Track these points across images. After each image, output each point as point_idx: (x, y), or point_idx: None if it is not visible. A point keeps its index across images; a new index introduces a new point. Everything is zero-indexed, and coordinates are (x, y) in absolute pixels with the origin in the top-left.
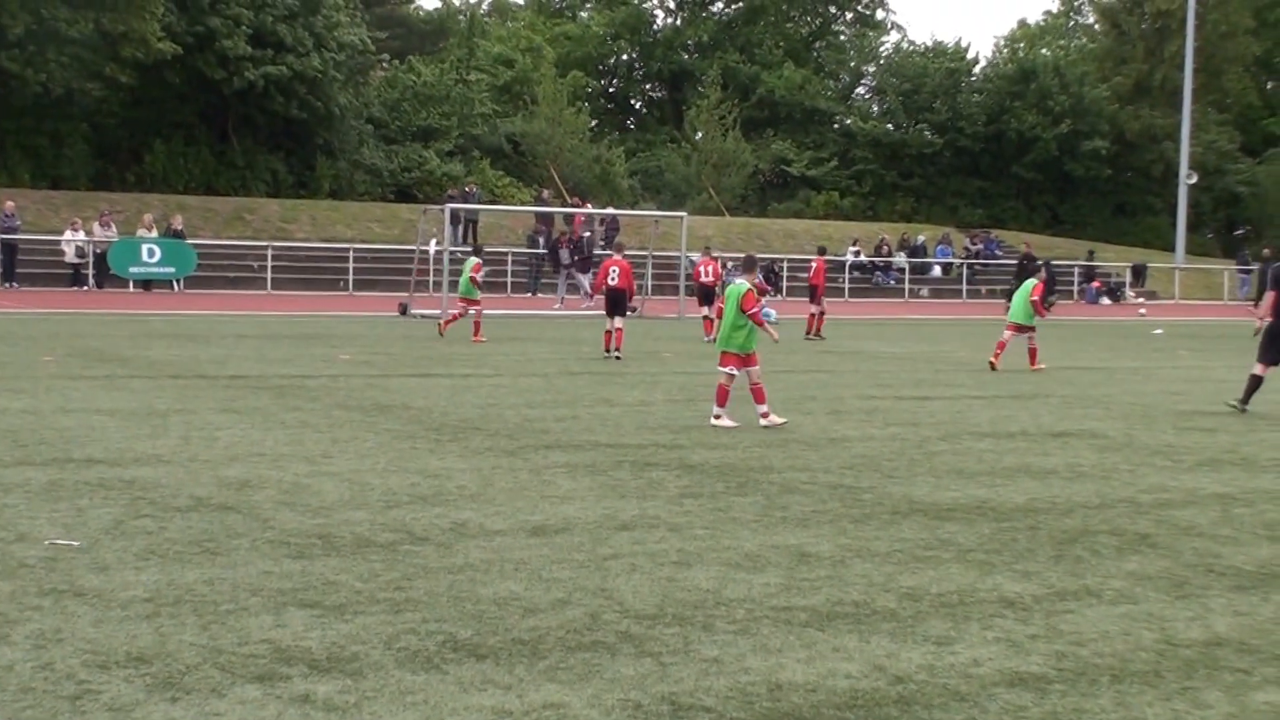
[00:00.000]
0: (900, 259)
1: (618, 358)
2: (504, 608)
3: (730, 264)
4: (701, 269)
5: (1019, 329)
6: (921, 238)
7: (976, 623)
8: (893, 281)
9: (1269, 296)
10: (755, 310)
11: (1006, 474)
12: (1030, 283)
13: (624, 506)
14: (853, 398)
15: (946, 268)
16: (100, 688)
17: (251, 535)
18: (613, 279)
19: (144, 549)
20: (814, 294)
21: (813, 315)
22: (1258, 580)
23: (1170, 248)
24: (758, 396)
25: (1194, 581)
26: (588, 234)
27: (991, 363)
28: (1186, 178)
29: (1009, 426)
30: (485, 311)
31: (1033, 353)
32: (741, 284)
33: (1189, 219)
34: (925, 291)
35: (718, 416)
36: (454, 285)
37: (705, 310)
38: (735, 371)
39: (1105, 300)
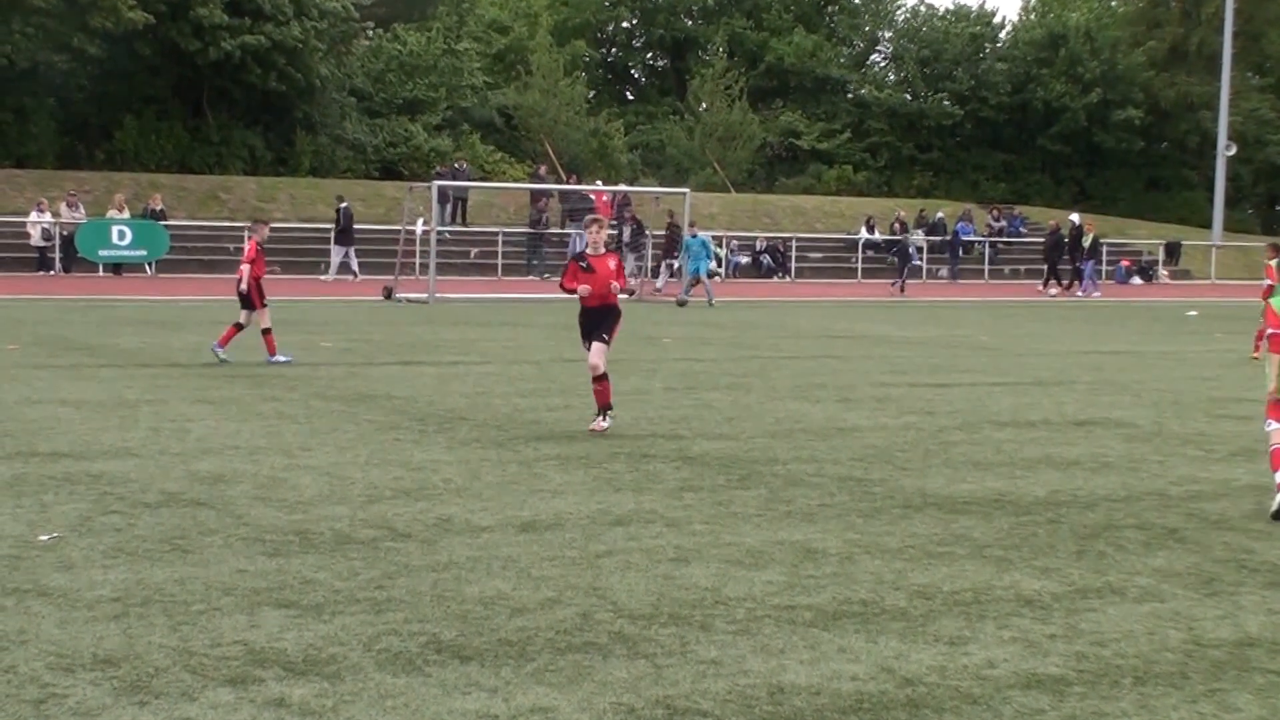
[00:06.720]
0: (918, 237)
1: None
2: (490, 607)
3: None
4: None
5: None
6: (941, 214)
7: (992, 622)
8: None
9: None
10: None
11: (1027, 465)
12: None
13: (619, 500)
14: (865, 385)
15: (968, 246)
16: (65, 691)
17: (225, 532)
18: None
19: (112, 546)
20: None
21: None
22: None
23: (1207, 224)
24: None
25: (1225, 578)
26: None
27: None
28: (1225, 149)
29: (1030, 415)
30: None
31: None
32: None
33: (1227, 193)
34: (944, 272)
35: None
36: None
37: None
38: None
39: (1136, 280)
